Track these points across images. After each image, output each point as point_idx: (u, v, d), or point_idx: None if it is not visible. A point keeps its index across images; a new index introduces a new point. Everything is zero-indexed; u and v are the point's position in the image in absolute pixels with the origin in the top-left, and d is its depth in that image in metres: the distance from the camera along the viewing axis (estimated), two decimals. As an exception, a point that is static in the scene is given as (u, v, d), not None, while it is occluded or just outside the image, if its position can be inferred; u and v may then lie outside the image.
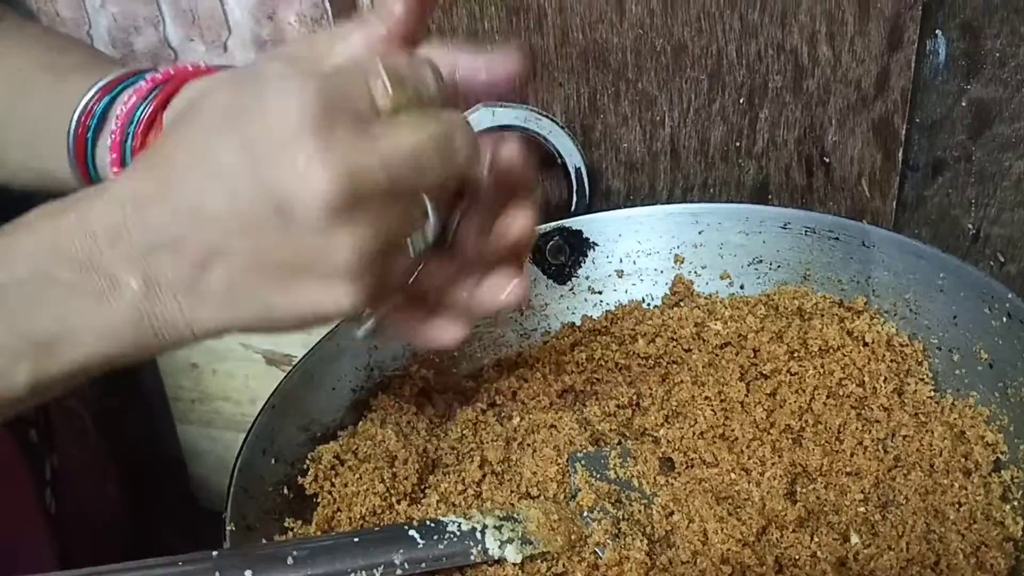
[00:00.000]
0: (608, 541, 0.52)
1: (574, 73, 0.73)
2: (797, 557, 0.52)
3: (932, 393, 0.59)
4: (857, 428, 0.57)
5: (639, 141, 0.75)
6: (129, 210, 0.43)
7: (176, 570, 0.46)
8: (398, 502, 0.55)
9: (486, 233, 0.50)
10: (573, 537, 0.52)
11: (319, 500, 0.56)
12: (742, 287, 0.68)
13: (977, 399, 0.59)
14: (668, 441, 0.58)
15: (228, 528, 0.51)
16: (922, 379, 0.60)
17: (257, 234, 0.42)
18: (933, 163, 0.74)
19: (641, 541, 0.52)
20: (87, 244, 0.43)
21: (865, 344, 0.61)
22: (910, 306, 0.63)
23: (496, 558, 0.51)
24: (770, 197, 0.76)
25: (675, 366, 0.64)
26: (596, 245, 0.70)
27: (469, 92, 0.49)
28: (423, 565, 0.50)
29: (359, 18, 0.48)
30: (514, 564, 0.51)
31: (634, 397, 0.62)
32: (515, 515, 0.53)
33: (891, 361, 0.60)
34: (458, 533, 0.51)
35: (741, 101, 0.73)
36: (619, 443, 0.59)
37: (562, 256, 0.69)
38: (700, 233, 0.69)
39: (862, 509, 0.54)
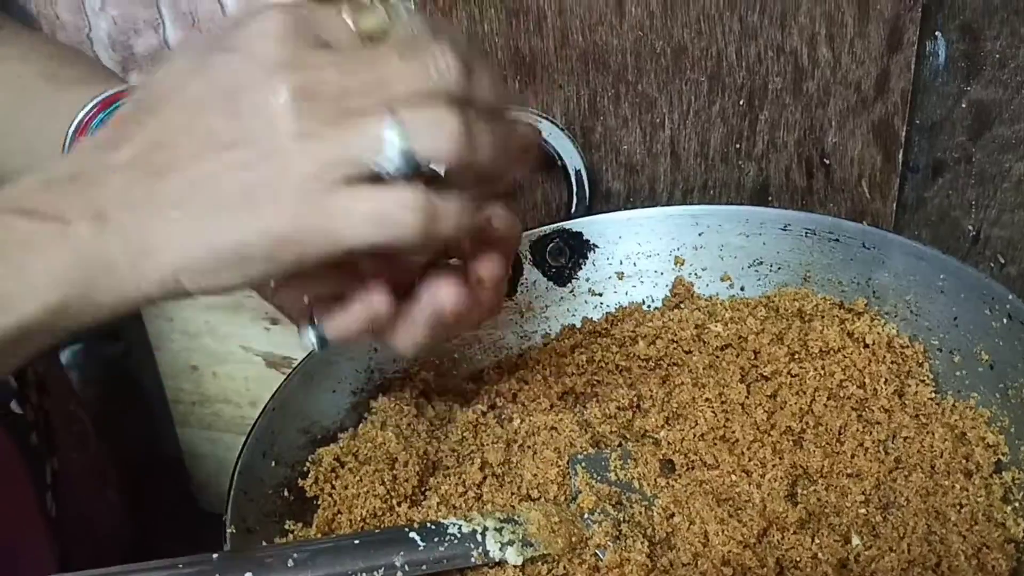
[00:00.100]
0: (609, 543, 0.52)
1: (574, 75, 0.73)
2: (798, 559, 0.52)
3: (933, 395, 0.59)
4: (858, 430, 0.57)
5: (639, 143, 0.75)
6: (87, 153, 0.44)
7: (176, 572, 0.46)
8: (398, 504, 0.55)
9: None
10: (574, 539, 0.52)
11: (319, 502, 0.56)
12: (742, 289, 0.68)
13: (978, 400, 0.58)
14: (669, 443, 0.58)
15: (228, 530, 0.51)
16: (923, 380, 0.60)
17: (209, 134, 0.42)
18: (933, 165, 0.74)
19: (642, 543, 0.52)
20: (43, 195, 0.43)
21: (866, 346, 0.61)
22: (911, 308, 0.63)
23: (497, 560, 0.51)
24: (770, 199, 0.76)
25: (675, 368, 0.64)
26: (596, 247, 0.70)
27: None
28: (424, 567, 0.50)
29: None
30: (515, 566, 0.51)
31: (634, 399, 0.62)
32: (516, 517, 0.53)
33: (892, 363, 0.60)
34: (459, 535, 0.51)
35: (741, 103, 0.73)
36: (620, 445, 0.59)
37: (562, 258, 0.69)
38: (700, 235, 0.69)
39: (863, 511, 0.54)
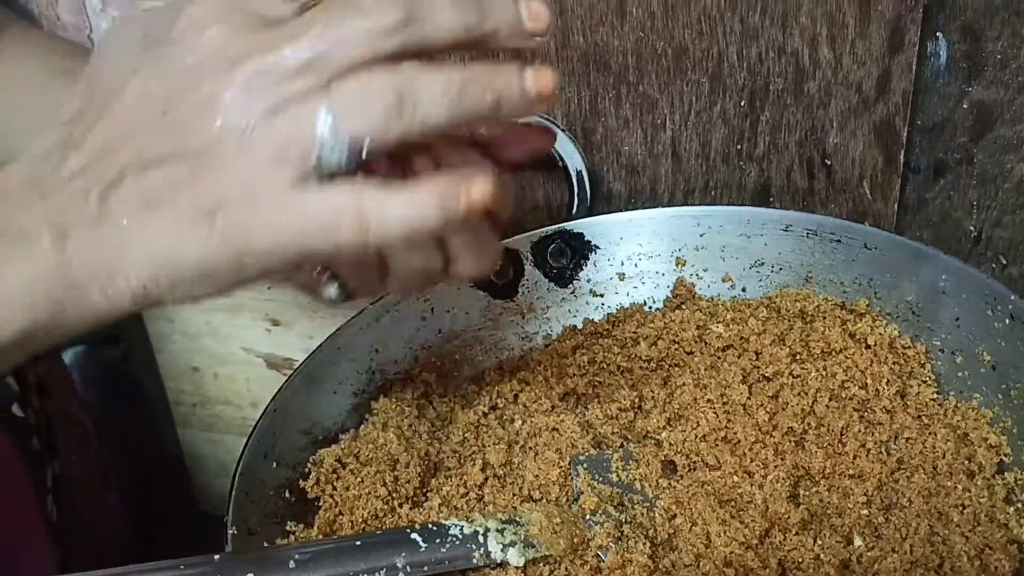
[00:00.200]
0: (611, 544, 0.52)
1: (575, 76, 0.73)
2: (800, 560, 0.52)
3: (935, 395, 0.59)
4: (860, 430, 0.57)
5: (640, 144, 0.75)
6: (39, 160, 0.42)
7: (178, 573, 0.46)
8: (400, 505, 0.55)
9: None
10: (575, 540, 0.52)
11: (321, 504, 0.56)
12: (744, 290, 0.68)
13: (980, 401, 0.58)
14: (670, 444, 0.58)
15: (230, 532, 0.51)
16: (925, 381, 0.60)
17: (151, 144, 0.40)
18: (935, 165, 0.74)
19: (644, 544, 0.52)
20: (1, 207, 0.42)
21: (867, 346, 0.61)
22: (912, 308, 0.63)
23: (498, 561, 0.51)
24: (771, 200, 0.76)
25: (677, 369, 0.63)
26: (597, 248, 0.69)
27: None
28: (425, 568, 0.50)
29: None
30: (516, 567, 0.51)
31: (636, 400, 0.62)
32: (517, 518, 0.53)
33: (894, 363, 0.60)
34: (460, 536, 0.51)
35: (742, 104, 0.73)
36: (621, 446, 0.59)
37: (563, 259, 0.69)
38: (701, 236, 0.68)
39: (865, 512, 0.54)
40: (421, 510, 0.55)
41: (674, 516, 0.54)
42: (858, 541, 0.52)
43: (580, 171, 0.75)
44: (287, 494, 0.57)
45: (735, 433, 0.57)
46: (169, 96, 0.41)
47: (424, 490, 0.57)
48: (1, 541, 0.66)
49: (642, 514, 0.54)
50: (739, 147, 0.74)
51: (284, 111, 0.39)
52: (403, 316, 0.65)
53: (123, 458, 0.92)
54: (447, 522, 0.52)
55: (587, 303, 0.70)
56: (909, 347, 0.61)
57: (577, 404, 0.63)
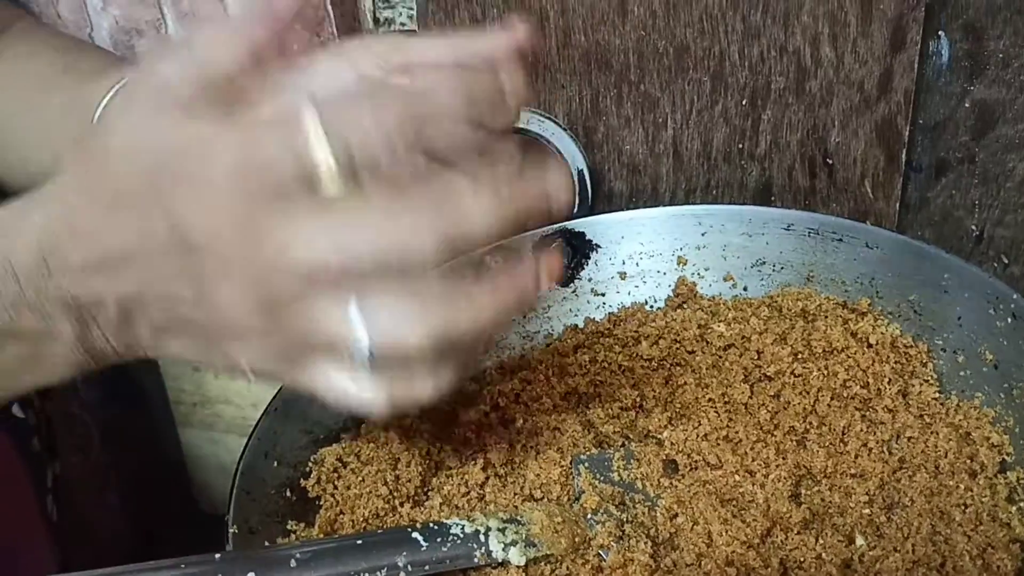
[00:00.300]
0: (612, 543, 0.52)
1: (576, 75, 0.73)
2: (802, 559, 0.51)
3: (937, 394, 0.59)
4: (862, 430, 0.57)
5: (641, 143, 0.75)
6: (45, 233, 0.42)
7: (178, 572, 0.46)
8: (401, 504, 0.55)
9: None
10: (577, 539, 0.52)
11: (322, 503, 0.56)
12: (745, 289, 0.68)
13: (982, 400, 0.58)
14: (672, 443, 0.58)
15: (231, 531, 0.51)
16: (927, 380, 0.60)
17: (171, 305, 0.41)
18: (936, 164, 0.74)
19: (645, 543, 0.51)
20: (11, 285, 0.42)
21: (869, 345, 0.61)
22: (914, 307, 0.63)
23: (500, 560, 0.51)
24: (773, 199, 0.76)
25: (678, 368, 0.63)
26: (599, 247, 0.69)
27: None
28: (426, 568, 0.49)
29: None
30: (518, 567, 0.51)
31: (637, 399, 0.62)
32: (519, 517, 0.53)
33: (895, 362, 0.60)
34: (462, 535, 0.51)
35: (744, 103, 0.72)
36: (623, 445, 0.59)
37: (565, 258, 0.69)
38: (703, 235, 0.68)
39: (867, 511, 0.54)
40: (422, 509, 0.55)
41: (675, 515, 0.54)
42: (860, 540, 0.52)
43: (581, 170, 0.75)
44: (288, 493, 0.56)
45: (737, 432, 0.57)
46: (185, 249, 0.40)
47: (425, 489, 0.57)
48: (1, 541, 0.66)
49: (643, 513, 0.54)
50: (740, 146, 0.74)
51: (311, 315, 0.40)
52: (404, 315, 0.65)
53: (123, 458, 0.92)
54: (448, 521, 0.52)
55: (588, 302, 0.70)
56: (911, 346, 0.61)
57: (578, 403, 0.63)
